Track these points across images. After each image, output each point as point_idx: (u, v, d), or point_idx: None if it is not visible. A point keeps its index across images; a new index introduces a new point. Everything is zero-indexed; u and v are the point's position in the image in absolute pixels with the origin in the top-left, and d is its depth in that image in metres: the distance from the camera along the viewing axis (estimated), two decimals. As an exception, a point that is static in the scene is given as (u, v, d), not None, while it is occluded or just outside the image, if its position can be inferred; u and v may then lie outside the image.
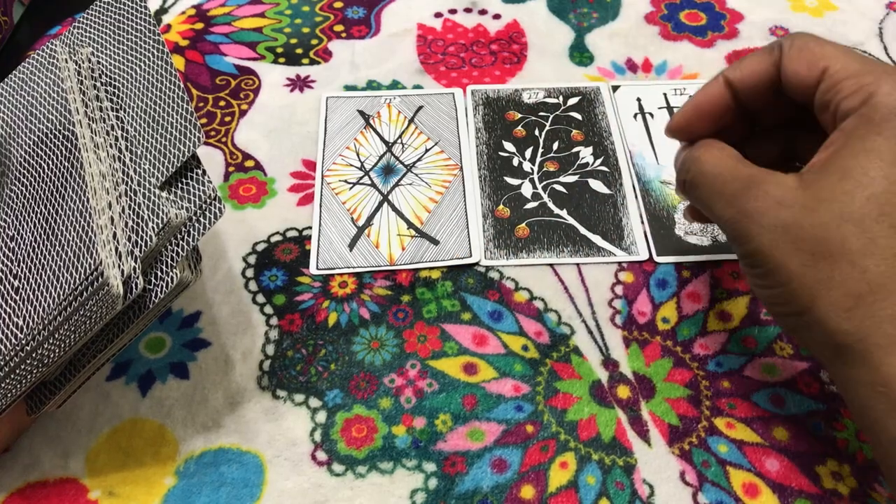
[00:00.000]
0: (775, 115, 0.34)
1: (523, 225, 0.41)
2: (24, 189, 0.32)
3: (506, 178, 0.43)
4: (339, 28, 0.53)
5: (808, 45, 0.31)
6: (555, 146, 0.45)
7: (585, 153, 0.45)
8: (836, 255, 0.27)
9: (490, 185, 0.43)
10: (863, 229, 0.27)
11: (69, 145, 0.32)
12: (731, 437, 0.34)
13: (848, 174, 0.28)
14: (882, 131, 0.28)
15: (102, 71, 0.35)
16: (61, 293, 0.28)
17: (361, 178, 0.43)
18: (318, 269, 0.39)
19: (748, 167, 0.30)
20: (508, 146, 0.45)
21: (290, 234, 0.41)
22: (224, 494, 0.32)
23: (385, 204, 0.42)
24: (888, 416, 0.26)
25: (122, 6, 0.37)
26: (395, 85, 0.49)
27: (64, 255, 0.29)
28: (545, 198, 0.42)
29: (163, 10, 0.54)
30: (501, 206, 0.42)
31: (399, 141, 0.45)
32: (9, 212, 0.32)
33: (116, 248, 0.28)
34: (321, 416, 0.34)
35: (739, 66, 0.33)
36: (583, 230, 0.41)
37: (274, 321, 0.37)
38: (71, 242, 0.29)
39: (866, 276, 0.26)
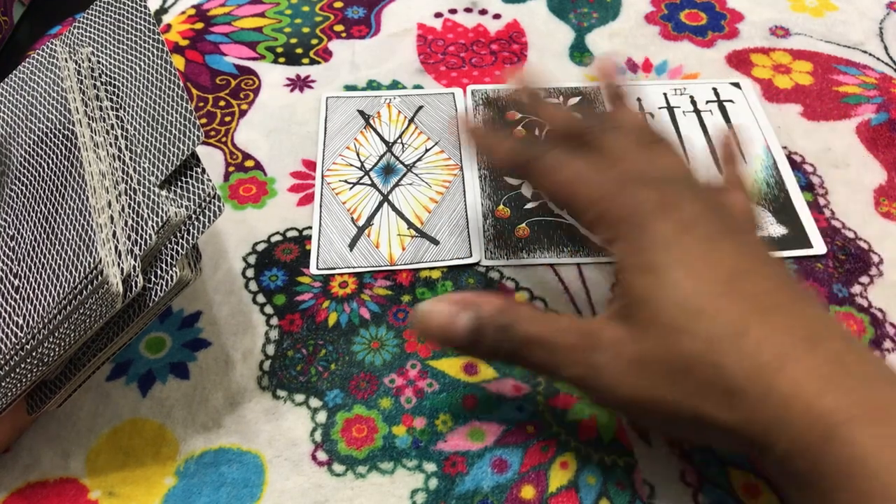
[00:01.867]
0: None
1: (523, 225, 0.41)
2: (24, 188, 0.32)
3: (506, 178, 0.43)
4: (339, 28, 0.53)
5: (548, 170, 0.32)
6: (555, 146, 0.45)
7: (586, 153, 0.45)
8: (690, 364, 0.26)
9: (490, 185, 0.43)
10: (692, 331, 0.26)
11: (69, 144, 0.32)
12: (732, 436, 0.34)
13: (646, 301, 0.28)
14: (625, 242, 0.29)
15: (102, 71, 0.35)
16: (61, 292, 0.28)
17: (361, 178, 0.43)
18: (318, 269, 0.39)
19: (575, 319, 0.30)
20: (509, 146, 0.45)
21: (291, 234, 0.41)
22: (224, 494, 0.32)
23: (385, 204, 0.42)
24: (800, 494, 0.25)
25: (122, 6, 0.37)
26: (395, 85, 0.49)
27: (64, 254, 0.29)
28: (545, 198, 0.42)
29: (163, 10, 0.54)
30: (501, 207, 0.42)
31: (399, 141, 0.45)
32: (9, 211, 0.32)
33: (116, 247, 0.28)
34: (321, 416, 0.34)
35: (504, 136, 0.35)
36: (583, 230, 0.41)
37: (274, 321, 0.37)
38: (71, 241, 0.29)
39: (721, 371, 0.26)
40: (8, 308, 0.29)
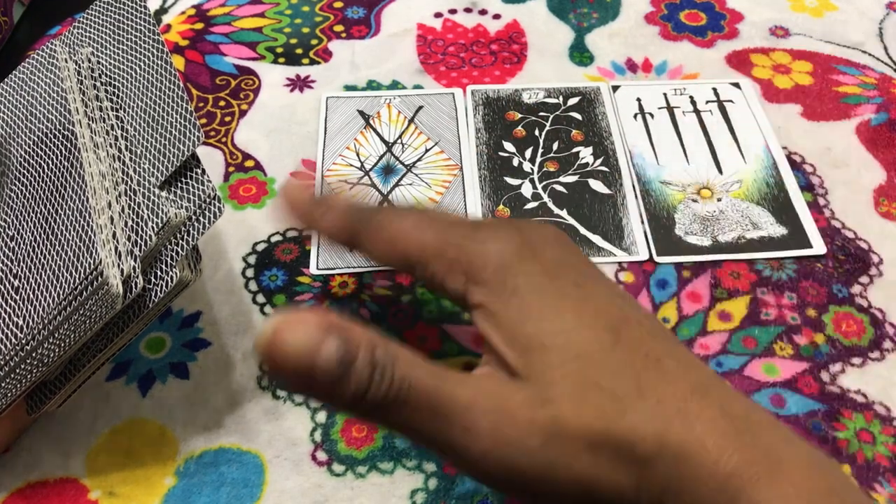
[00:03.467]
0: None
1: (523, 225, 0.41)
2: (24, 189, 0.32)
3: (506, 178, 0.43)
4: (339, 28, 0.53)
5: (382, 225, 0.28)
6: (555, 146, 0.45)
7: (585, 153, 0.45)
8: (606, 429, 0.24)
9: (490, 185, 0.43)
10: (604, 388, 0.24)
11: (69, 145, 0.32)
12: (732, 436, 0.34)
13: (541, 350, 0.25)
14: (508, 297, 0.25)
15: (102, 71, 0.35)
16: (61, 293, 0.28)
17: (361, 178, 0.43)
18: (318, 269, 0.39)
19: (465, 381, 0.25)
20: (508, 146, 0.45)
21: (291, 234, 0.41)
22: (224, 494, 0.32)
23: (385, 204, 0.42)
24: None
25: (122, 6, 0.37)
26: (395, 85, 0.49)
27: (64, 255, 0.29)
28: (545, 198, 0.42)
29: (163, 10, 0.54)
30: (501, 207, 0.42)
31: (399, 141, 0.45)
32: (9, 212, 0.32)
33: (116, 248, 0.28)
34: (321, 416, 0.34)
35: (328, 204, 0.30)
36: (583, 230, 0.41)
37: (274, 321, 0.37)
38: (71, 242, 0.29)
39: (635, 435, 0.23)
40: (8, 309, 0.29)
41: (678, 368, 0.25)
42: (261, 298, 0.38)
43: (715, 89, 0.48)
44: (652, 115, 0.47)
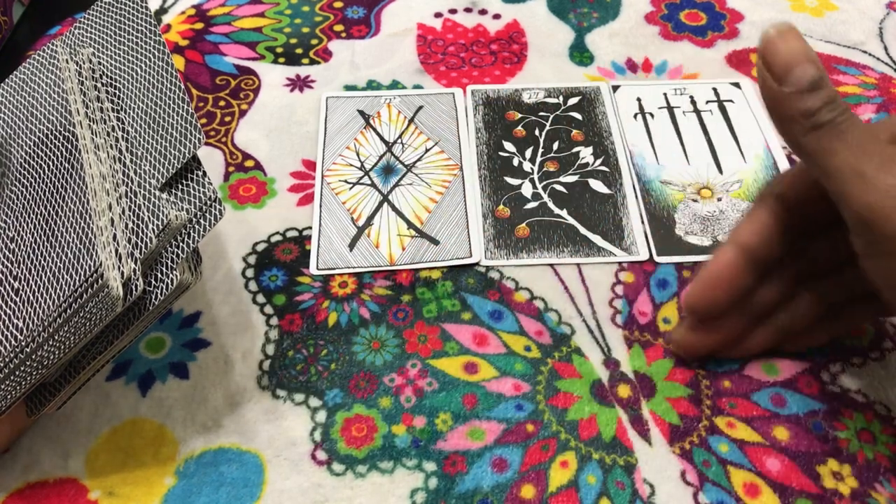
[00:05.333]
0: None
1: (523, 225, 0.41)
2: (24, 190, 0.32)
3: (506, 178, 0.43)
4: (339, 28, 0.53)
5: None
6: (555, 146, 0.45)
7: (585, 153, 0.45)
8: None
9: (490, 185, 0.43)
10: None
11: (69, 146, 0.32)
12: (732, 436, 0.34)
13: None
14: None
15: (103, 72, 0.35)
16: (61, 295, 0.28)
17: (361, 178, 0.43)
18: (318, 269, 0.39)
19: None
20: (508, 146, 0.45)
21: (290, 234, 0.41)
22: (224, 494, 0.32)
23: (385, 204, 0.42)
24: None
25: (122, 6, 0.37)
26: (395, 85, 0.49)
27: (64, 257, 0.29)
28: (545, 198, 0.42)
29: (163, 10, 0.54)
30: (501, 206, 0.42)
31: (399, 141, 0.45)
32: (9, 213, 0.32)
33: (116, 250, 0.28)
34: (321, 416, 0.34)
35: (750, 220, 0.33)
36: (583, 230, 0.41)
37: (274, 321, 0.37)
38: (71, 244, 0.29)
39: None
40: (8, 311, 0.29)
41: None
42: (261, 298, 0.38)
43: (715, 89, 0.48)
44: (652, 115, 0.47)
